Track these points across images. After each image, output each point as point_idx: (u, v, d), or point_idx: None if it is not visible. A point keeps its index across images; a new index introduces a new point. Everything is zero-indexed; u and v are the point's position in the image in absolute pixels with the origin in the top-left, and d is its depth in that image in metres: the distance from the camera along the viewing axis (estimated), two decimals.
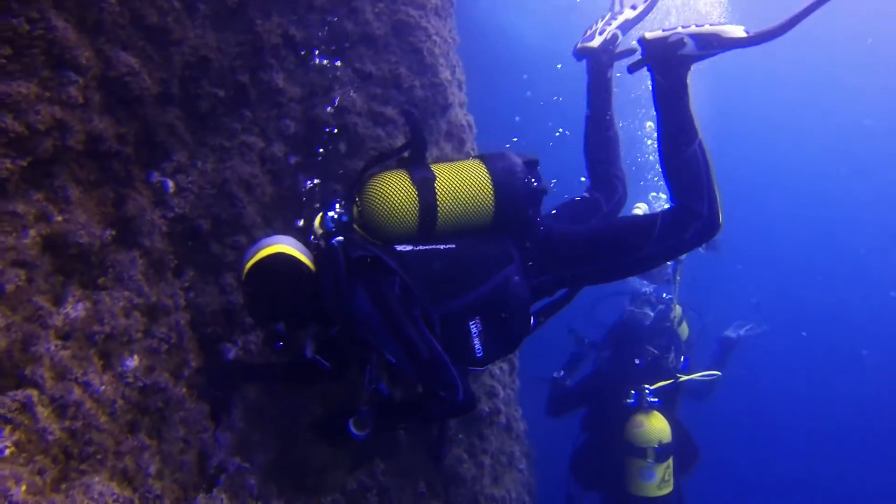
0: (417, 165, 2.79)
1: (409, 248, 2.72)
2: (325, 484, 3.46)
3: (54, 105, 2.28)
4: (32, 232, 2.22)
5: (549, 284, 2.93)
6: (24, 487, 1.71)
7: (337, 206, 2.78)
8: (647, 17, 3.56)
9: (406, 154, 2.87)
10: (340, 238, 2.68)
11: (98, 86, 2.47)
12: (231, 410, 3.04)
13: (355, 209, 2.75)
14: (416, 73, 3.77)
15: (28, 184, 2.26)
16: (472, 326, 2.74)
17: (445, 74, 3.94)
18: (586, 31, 3.47)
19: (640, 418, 4.67)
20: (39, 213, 2.27)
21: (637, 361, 4.94)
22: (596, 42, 3.37)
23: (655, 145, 2.96)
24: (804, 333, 18.39)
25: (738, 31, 2.65)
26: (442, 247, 2.75)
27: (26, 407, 1.96)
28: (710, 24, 2.72)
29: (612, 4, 3.57)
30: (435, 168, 2.78)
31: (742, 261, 19.83)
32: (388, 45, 3.71)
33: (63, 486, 1.99)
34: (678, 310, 5.38)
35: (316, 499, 3.39)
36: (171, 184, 2.85)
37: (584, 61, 3.46)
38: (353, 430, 2.79)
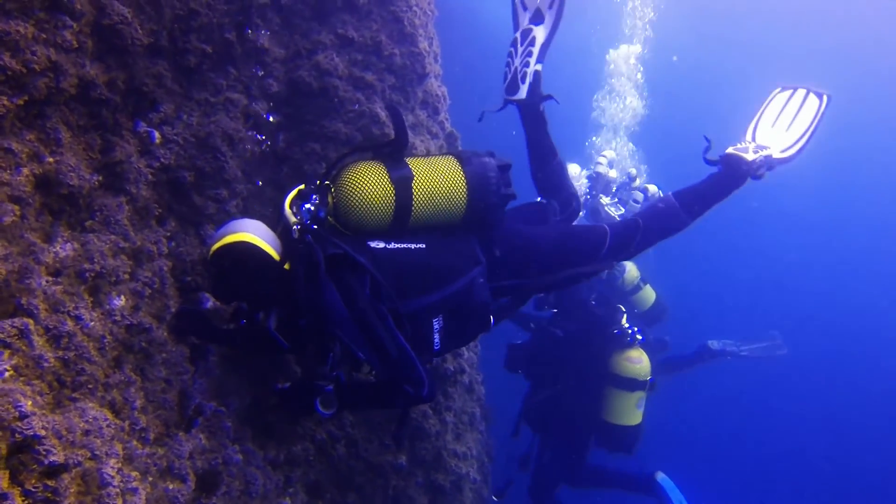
0: (396, 161, 2.79)
1: (381, 245, 2.76)
2: (296, 433, 3.60)
3: (49, 47, 2.33)
4: (26, 170, 2.27)
5: (508, 288, 3.06)
6: (29, 402, 1.81)
7: (312, 195, 2.75)
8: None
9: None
10: (315, 229, 2.69)
11: (91, 32, 2.52)
12: (208, 357, 3.14)
13: (330, 199, 2.76)
14: (397, 41, 3.88)
15: (22, 123, 2.32)
16: (434, 322, 2.83)
17: (424, 45, 4.06)
18: (506, 77, 3.40)
19: (636, 354, 4.87)
20: (32, 152, 2.32)
21: (592, 301, 5.06)
22: (523, 92, 3.34)
23: None
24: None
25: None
26: (413, 246, 2.80)
27: (23, 333, 2.04)
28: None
29: (516, 24, 3.49)
30: (412, 165, 2.79)
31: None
32: (371, 13, 3.81)
33: (58, 411, 2.09)
34: (634, 272, 5.44)
35: (286, 446, 3.53)
36: (157, 134, 2.92)
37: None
38: (321, 408, 2.85)
